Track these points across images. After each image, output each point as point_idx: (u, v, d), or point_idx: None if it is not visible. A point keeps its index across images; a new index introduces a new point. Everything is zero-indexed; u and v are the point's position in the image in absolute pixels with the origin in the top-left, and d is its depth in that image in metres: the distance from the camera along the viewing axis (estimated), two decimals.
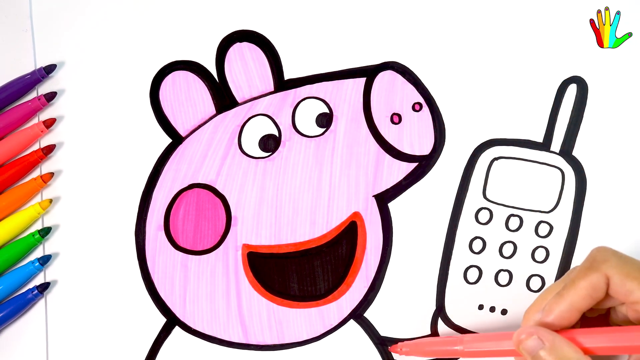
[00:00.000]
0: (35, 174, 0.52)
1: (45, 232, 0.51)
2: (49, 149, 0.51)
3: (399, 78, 0.52)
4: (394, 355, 0.51)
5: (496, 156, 0.52)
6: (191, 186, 0.52)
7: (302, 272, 0.51)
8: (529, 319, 0.43)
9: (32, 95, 0.52)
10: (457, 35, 0.52)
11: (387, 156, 0.52)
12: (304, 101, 0.52)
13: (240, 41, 0.53)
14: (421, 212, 0.52)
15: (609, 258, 0.41)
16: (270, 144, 0.52)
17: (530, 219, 0.51)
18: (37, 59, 0.53)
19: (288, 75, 0.52)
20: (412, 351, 0.49)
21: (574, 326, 0.42)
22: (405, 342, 0.49)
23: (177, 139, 0.52)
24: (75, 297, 0.51)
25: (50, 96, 0.52)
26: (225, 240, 0.51)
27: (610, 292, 0.41)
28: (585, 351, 0.41)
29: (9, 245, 0.51)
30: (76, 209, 0.52)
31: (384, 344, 0.51)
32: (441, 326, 0.51)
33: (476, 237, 0.51)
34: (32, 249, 0.51)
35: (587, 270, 0.41)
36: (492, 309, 0.51)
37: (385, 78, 0.52)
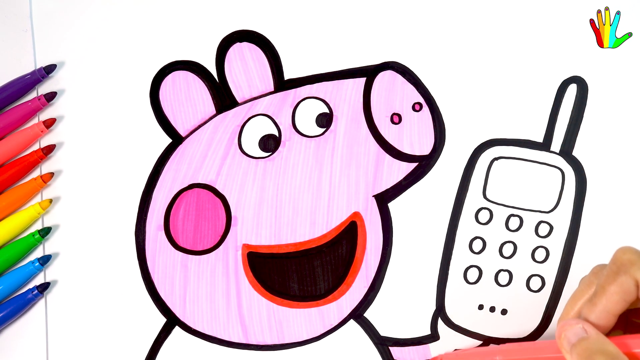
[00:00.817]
0: (35, 174, 0.52)
1: (45, 232, 0.51)
2: (49, 149, 0.51)
3: (399, 78, 0.52)
4: (395, 355, 0.51)
5: (496, 156, 0.52)
6: (191, 186, 0.52)
7: (302, 272, 0.51)
8: (564, 327, 0.42)
9: (32, 95, 0.52)
10: (457, 36, 0.52)
11: (387, 156, 0.52)
12: (304, 101, 0.52)
13: (240, 41, 0.53)
14: (421, 212, 0.52)
15: (635, 260, 0.40)
16: (270, 144, 0.52)
17: (530, 219, 0.51)
18: (37, 59, 0.53)
19: (288, 75, 0.52)
20: None
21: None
22: (446, 353, 0.49)
23: (177, 139, 0.52)
24: (75, 297, 0.51)
25: (50, 96, 0.52)
26: (225, 240, 0.51)
27: None
28: (628, 355, 0.40)
29: (9, 245, 0.51)
30: (76, 209, 0.52)
31: (384, 344, 0.51)
32: (441, 326, 0.51)
33: (476, 237, 0.51)
34: (32, 249, 0.51)
35: (615, 275, 0.40)
36: (492, 309, 0.51)
37: (385, 78, 0.52)
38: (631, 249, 0.41)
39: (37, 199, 0.52)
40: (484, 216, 0.51)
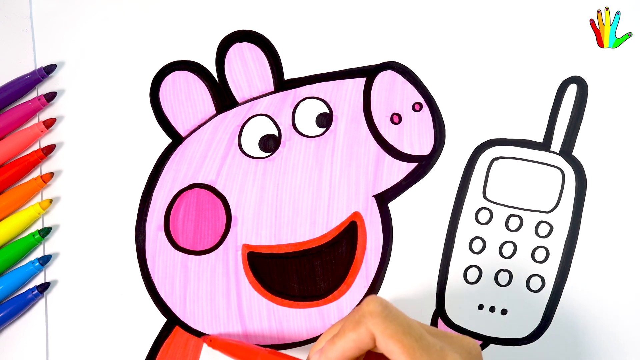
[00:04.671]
0: (35, 174, 0.52)
1: (45, 232, 0.51)
2: (49, 149, 0.51)
3: (399, 78, 0.52)
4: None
5: (496, 156, 0.52)
6: (191, 186, 0.52)
7: (302, 272, 0.51)
8: (310, 357, 0.44)
9: (32, 95, 0.52)
10: (457, 36, 0.52)
11: (387, 156, 0.52)
12: (304, 101, 0.52)
13: (240, 41, 0.53)
14: (421, 212, 0.52)
15: (376, 313, 0.40)
16: (270, 144, 0.52)
17: (530, 219, 0.51)
18: (37, 59, 0.53)
19: (288, 75, 0.52)
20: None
21: None
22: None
23: (177, 139, 0.52)
24: (75, 297, 0.51)
25: (50, 96, 0.52)
26: (225, 240, 0.51)
27: (377, 347, 0.40)
28: None
29: (9, 245, 0.51)
30: (76, 209, 0.52)
31: None
32: (441, 326, 0.51)
33: (476, 237, 0.51)
34: (32, 249, 0.51)
35: (356, 324, 0.41)
36: (492, 309, 0.51)
37: (385, 78, 0.52)
38: (376, 300, 0.41)
39: (37, 199, 0.52)
40: (484, 216, 0.51)
